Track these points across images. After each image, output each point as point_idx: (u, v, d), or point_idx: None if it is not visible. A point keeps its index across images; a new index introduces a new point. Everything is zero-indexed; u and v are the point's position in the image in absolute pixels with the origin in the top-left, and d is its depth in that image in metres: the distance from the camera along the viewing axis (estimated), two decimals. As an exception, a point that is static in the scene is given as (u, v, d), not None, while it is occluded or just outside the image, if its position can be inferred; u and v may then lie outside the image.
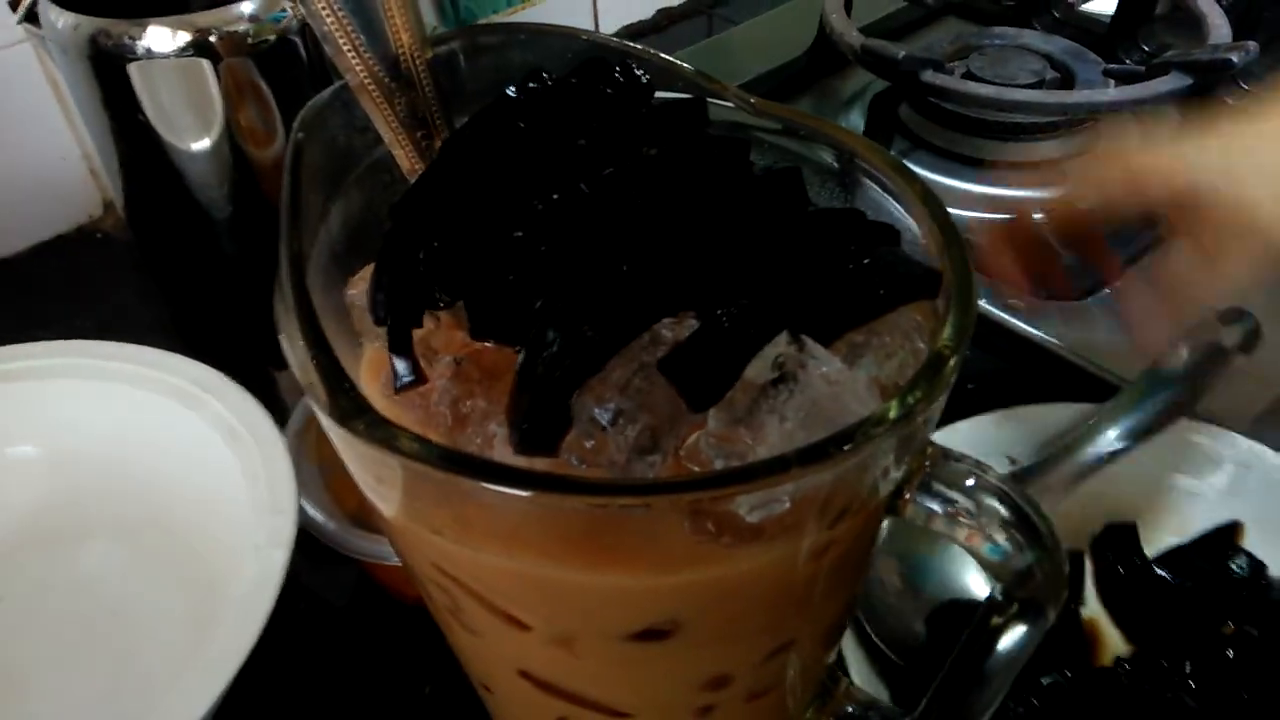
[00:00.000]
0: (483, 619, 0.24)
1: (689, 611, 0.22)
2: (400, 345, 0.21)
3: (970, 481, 0.22)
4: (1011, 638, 0.23)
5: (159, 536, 0.44)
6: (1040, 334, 0.53)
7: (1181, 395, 0.43)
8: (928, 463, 0.22)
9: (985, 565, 0.22)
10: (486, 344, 0.21)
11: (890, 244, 0.22)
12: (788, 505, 0.18)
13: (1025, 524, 0.22)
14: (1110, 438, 0.43)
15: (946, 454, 0.22)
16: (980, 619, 0.24)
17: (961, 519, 0.22)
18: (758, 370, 0.19)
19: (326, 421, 0.20)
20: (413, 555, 0.26)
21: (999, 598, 0.23)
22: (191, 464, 0.44)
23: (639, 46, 0.28)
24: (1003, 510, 0.22)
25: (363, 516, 0.42)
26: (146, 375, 0.46)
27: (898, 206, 0.24)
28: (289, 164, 0.22)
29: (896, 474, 0.22)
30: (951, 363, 0.21)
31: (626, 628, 0.22)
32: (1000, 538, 0.22)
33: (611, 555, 0.21)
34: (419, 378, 0.21)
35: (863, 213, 0.23)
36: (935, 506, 0.22)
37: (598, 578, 0.21)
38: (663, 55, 0.28)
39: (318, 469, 0.43)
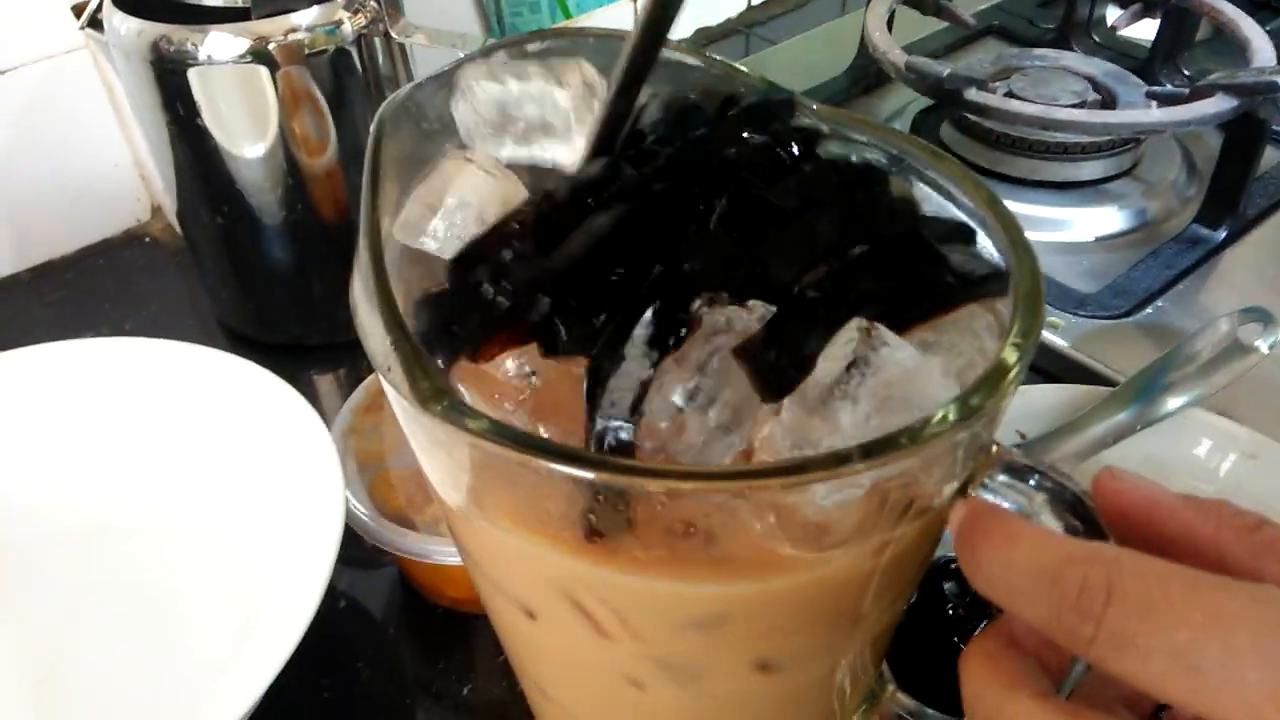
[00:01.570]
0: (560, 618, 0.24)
1: (744, 608, 0.22)
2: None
3: (1034, 484, 0.22)
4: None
5: (204, 534, 0.44)
6: (1079, 353, 0.53)
7: (1194, 385, 0.43)
8: (991, 463, 0.22)
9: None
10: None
11: (964, 243, 0.23)
12: (859, 494, 0.19)
13: (1092, 529, 0.22)
14: (1119, 419, 0.43)
15: (1010, 455, 0.22)
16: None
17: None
18: (831, 358, 0.19)
19: (404, 406, 0.21)
20: (480, 552, 0.26)
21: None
22: (238, 462, 0.45)
23: (703, 52, 0.28)
24: (1069, 516, 0.22)
25: (404, 515, 0.42)
26: (194, 373, 0.47)
27: (964, 211, 0.24)
28: (370, 153, 0.23)
29: (960, 473, 0.22)
30: (1018, 365, 0.21)
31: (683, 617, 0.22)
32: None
33: (672, 552, 0.21)
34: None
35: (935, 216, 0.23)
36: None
37: (654, 578, 0.21)
38: (724, 59, 0.28)
39: (359, 469, 0.44)
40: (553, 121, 0.24)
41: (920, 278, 0.21)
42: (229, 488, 0.45)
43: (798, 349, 0.19)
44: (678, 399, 0.19)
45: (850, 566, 0.22)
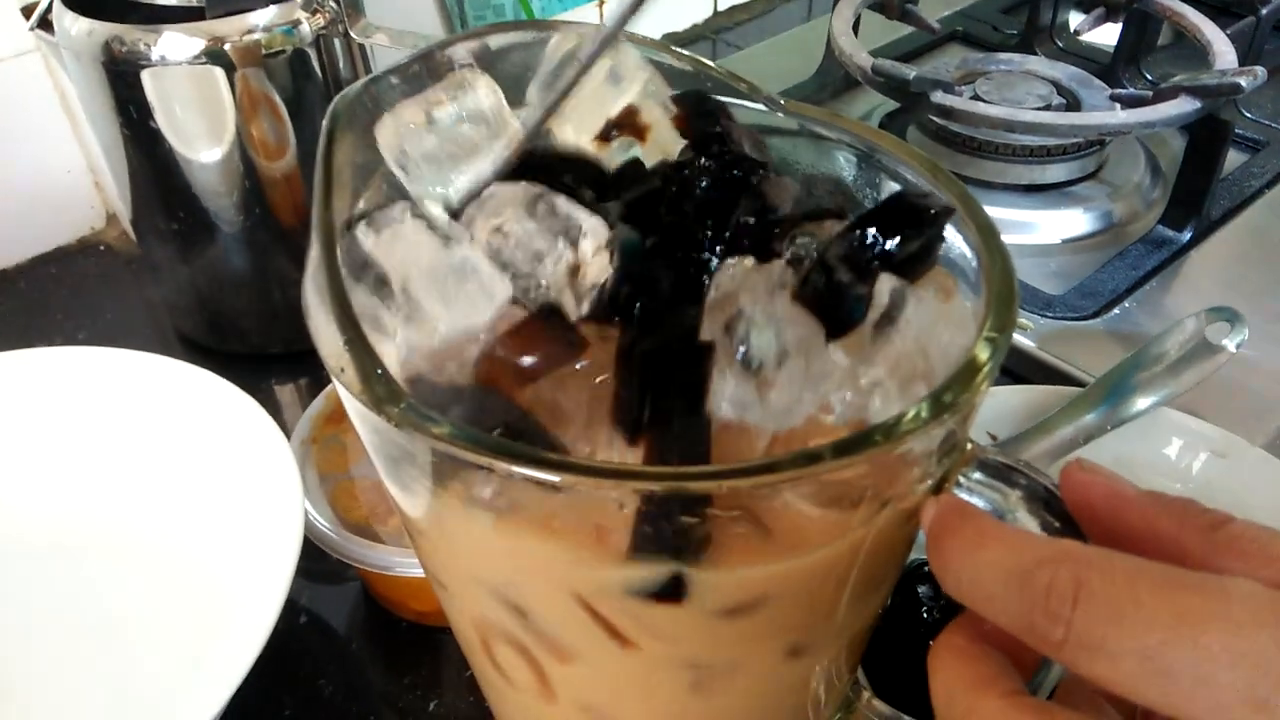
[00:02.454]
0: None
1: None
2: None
3: (1009, 481, 0.22)
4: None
5: (160, 547, 0.43)
6: (1047, 354, 0.53)
7: (1162, 384, 0.44)
8: (965, 461, 0.22)
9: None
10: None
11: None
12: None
13: (1067, 524, 0.21)
14: (1089, 419, 0.44)
15: (985, 452, 0.22)
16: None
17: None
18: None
19: (357, 408, 0.20)
20: (435, 560, 0.25)
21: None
22: (194, 473, 0.44)
23: (672, 47, 0.28)
24: (1044, 512, 0.22)
25: (367, 526, 0.41)
26: (148, 383, 0.45)
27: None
28: (323, 148, 0.22)
29: (934, 471, 0.21)
30: (990, 361, 0.20)
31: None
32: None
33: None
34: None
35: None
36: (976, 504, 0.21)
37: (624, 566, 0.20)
38: (692, 55, 0.28)
39: (320, 479, 0.43)
40: (482, 125, 0.24)
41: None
42: (185, 500, 0.43)
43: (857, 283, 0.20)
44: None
45: (823, 565, 0.21)
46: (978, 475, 0.22)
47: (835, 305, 0.20)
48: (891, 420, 0.19)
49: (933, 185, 0.24)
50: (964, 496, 0.21)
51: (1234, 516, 0.19)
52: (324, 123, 0.23)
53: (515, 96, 0.29)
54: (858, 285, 0.20)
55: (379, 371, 0.19)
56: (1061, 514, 0.21)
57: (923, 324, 0.20)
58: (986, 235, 0.23)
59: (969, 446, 0.22)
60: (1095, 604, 0.17)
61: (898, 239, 0.21)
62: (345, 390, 0.20)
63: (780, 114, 0.27)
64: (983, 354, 0.21)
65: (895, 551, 0.23)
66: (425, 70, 0.27)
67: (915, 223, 0.21)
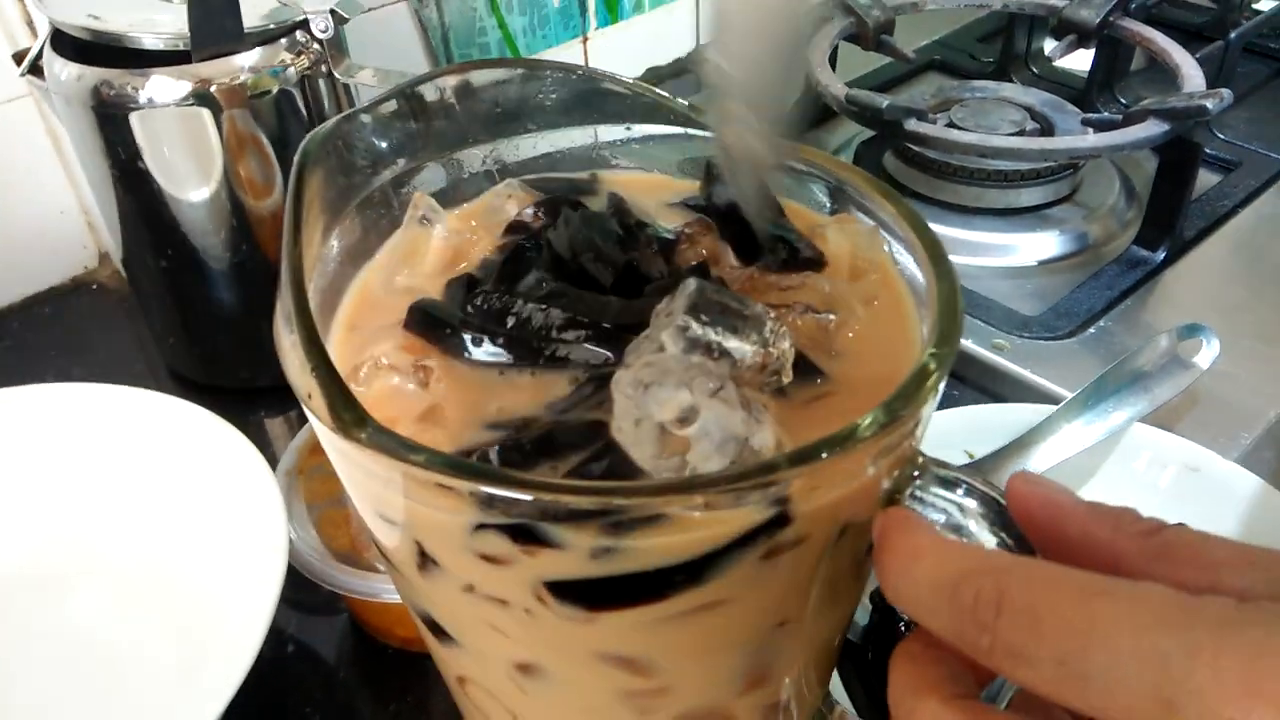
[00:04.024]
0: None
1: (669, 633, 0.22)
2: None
3: (961, 493, 0.22)
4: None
5: (147, 577, 0.44)
6: (1025, 372, 0.54)
7: (1136, 400, 0.44)
8: (917, 474, 0.22)
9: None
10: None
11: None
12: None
13: (1015, 535, 0.22)
14: (1064, 435, 0.44)
15: (938, 465, 0.22)
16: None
17: (951, 534, 0.23)
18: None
19: (327, 435, 0.20)
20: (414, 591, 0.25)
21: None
22: (180, 504, 0.44)
23: (632, 80, 0.29)
24: (995, 525, 0.22)
25: (353, 555, 0.42)
26: (137, 417, 0.46)
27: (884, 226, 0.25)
28: (293, 185, 0.23)
29: (886, 483, 0.22)
30: (936, 372, 0.21)
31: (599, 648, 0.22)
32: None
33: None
34: None
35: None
36: (929, 517, 0.22)
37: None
38: (654, 89, 0.29)
39: (307, 508, 0.43)
40: None
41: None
42: (172, 530, 0.44)
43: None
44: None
45: (784, 577, 0.22)
46: (932, 488, 0.22)
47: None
48: (844, 431, 0.20)
49: (884, 210, 0.25)
50: (916, 508, 0.22)
51: (1167, 523, 0.20)
52: (295, 159, 0.24)
53: (492, 132, 0.30)
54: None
55: (346, 398, 0.20)
56: (1007, 525, 0.22)
57: None
58: (929, 249, 0.24)
59: (919, 459, 0.22)
60: (1016, 612, 0.18)
61: None
62: (313, 416, 0.20)
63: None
64: (930, 365, 0.21)
65: (852, 563, 0.24)
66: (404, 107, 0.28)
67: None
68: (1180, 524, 0.20)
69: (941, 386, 0.21)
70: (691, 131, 0.29)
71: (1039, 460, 0.45)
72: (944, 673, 0.20)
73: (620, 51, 0.87)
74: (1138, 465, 0.45)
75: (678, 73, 0.93)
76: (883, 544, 0.21)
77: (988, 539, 0.22)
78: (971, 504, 0.22)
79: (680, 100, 0.29)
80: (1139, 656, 0.16)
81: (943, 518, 0.22)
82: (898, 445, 0.21)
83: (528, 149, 0.30)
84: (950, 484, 0.22)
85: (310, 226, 0.23)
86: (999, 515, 0.22)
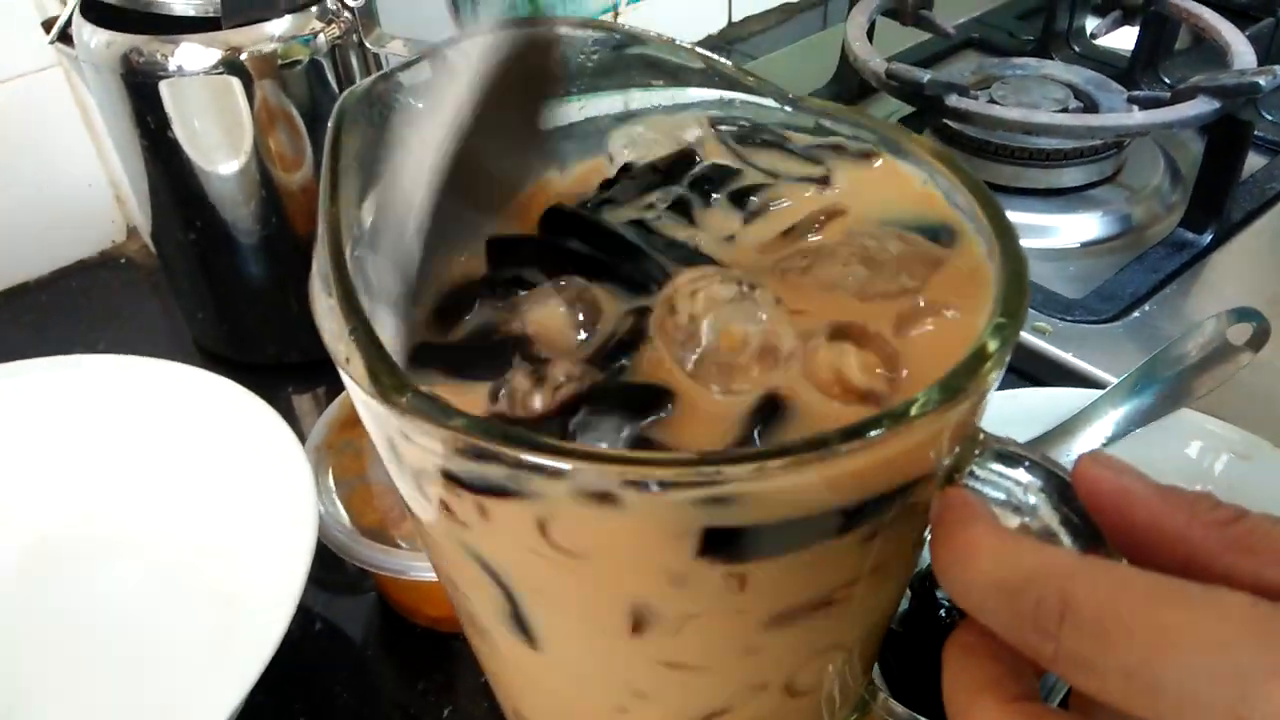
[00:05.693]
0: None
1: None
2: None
3: (1024, 471, 0.21)
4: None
5: (176, 551, 0.43)
6: (1065, 355, 0.53)
7: (1184, 385, 0.43)
8: (978, 451, 0.21)
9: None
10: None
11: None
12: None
13: (1083, 519, 0.21)
14: (1109, 422, 0.43)
15: (1000, 442, 0.21)
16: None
17: (1012, 514, 0.22)
18: None
19: (363, 398, 0.20)
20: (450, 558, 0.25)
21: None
22: (209, 478, 0.44)
23: (673, 40, 0.28)
24: (1061, 505, 0.21)
25: (382, 531, 0.41)
26: (167, 390, 0.45)
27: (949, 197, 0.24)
28: (330, 143, 0.22)
29: (946, 460, 0.21)
30: (1000, 348, 0.20)
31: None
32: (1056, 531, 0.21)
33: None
34: None
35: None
36: (988, 495, 0.21)
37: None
38: (698, 50, 0.28)
39: (335, 484, 0.43)
40: None
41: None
42: (200, 504, 0.43)
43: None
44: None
45: (836, 557, 0.21)
46: (993, 465, 0.21)
47: None
48: (900, 406, 0.19)
49: (948, 179, 0.24)
50: (977, 487, 0.21)
51: (1248, 511, 0.19)
52: (331, 118, 0.23)
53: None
54: None
55: (385, 361, 0.19)
56: (1076, 507, 0.21)
57: None
58: (996, 223, 0.23)
59: (981, 436, 0.21)
60: (1081, 621, 0.17)
61: None
62: (351, 380, 0.20)
63: (789, 109, 0.27)
64: (992, 341, 0.20)
65: (904, 544, 0.23)
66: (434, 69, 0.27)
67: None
68: (1264, 514, 0.19)
69: (1004, 361, 0.20)
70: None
71: (1083, 446, 0.43)
72: (1001, 670, 0.20)
73: (651, 26, 0.86)
74: (1187, 452, 0.43)
75: (709, 49, 0.92)
76: (940, 534, 0.20)
77: (1051, 517, 0.21)
78: (1035, 481, 0.21)
79: (725, 61, 0.28)
80: (1213, 674, 0.15)
81: (1004, 497, 0.21)
82: (959, 422, 0.20)
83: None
84: (1014, 461, 0.21)
85: (347, 186, 0.22)
86: (1063, 495, 0.21)
